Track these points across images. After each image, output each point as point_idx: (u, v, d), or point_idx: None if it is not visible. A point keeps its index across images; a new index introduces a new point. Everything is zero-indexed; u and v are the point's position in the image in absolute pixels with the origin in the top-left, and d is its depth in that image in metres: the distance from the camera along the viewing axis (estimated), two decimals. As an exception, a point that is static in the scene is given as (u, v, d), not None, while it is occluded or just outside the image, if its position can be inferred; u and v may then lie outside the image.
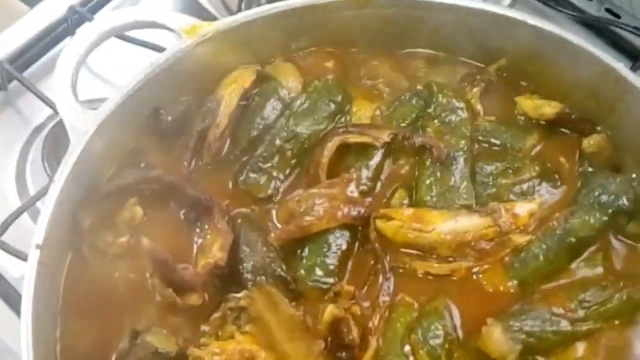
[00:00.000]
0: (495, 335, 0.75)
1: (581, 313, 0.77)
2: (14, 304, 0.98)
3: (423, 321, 0.78)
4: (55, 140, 1.11)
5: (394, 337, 0.77)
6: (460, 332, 0.78)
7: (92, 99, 1.07)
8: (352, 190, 0.82)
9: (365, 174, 0.87)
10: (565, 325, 0.77)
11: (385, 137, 0.87)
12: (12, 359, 0.94)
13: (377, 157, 0.88)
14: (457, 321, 0.79)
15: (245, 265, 0.79)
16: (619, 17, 1.28)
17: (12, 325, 0.96)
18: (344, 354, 0.76)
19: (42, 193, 1.02)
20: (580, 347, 0.77)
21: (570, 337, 0.77)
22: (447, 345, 0.76)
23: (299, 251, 0.81)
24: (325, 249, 0.81)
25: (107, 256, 0.82)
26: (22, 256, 0.97)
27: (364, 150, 0.87)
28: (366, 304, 0.80)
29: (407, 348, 0.77)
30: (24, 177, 1.10)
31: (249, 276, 0.79)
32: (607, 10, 1.28)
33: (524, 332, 0.75)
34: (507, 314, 0.77)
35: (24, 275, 0.76)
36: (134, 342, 0.75)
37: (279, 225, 0.83)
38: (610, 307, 0.78)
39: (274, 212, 0.85)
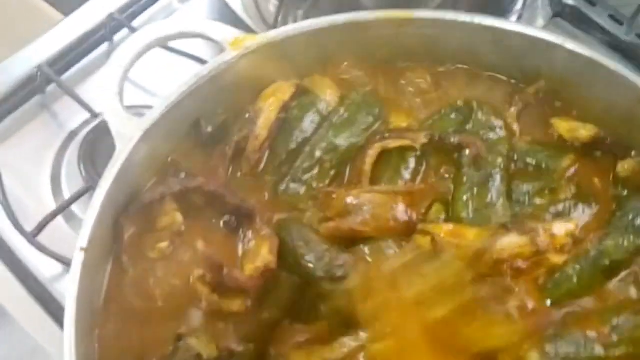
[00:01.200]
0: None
1: (614, 337, 0.77)
2: (48, 305, 1.00)
3: None
4: (91, 145, 1.12)
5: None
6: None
7: (132, 106, 1.09)
8: (408, 199, 0.84)
9: (405, 178, 0.88)
10: (599, 350, 0.77)
11: (422, 138, 0.89)
12: (44, 357, 0.96)
13: (414, 160, 0.90)
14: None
15: (306, 257, 0.80)
16: (650, 42, 1.29)
17: (45, 326, 0.98)
18: None
19: (77, 196, 1.05)
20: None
21: None
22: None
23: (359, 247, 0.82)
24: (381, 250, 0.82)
25: (147, 261, 0.83)
26: (57, 257, 0.99)
27: (402, 155, 0.89)
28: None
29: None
30: (59, 180, 1.11)
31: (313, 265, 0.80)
32: (638, 35, 1.29)
33: (560, 357, 0.76)
34: (542, 338, 0.77)
35: (67, 277, 0.77)
36: (176, 345, 0.76)
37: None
38: None
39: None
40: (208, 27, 0.90)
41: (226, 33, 0.90)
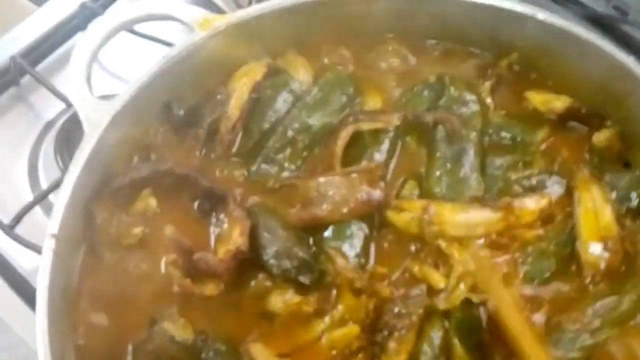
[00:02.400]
0: None
1: (597, 322, 0.77)
2: (27, 296, 0.99)
3: (457, 314, 0.77)
4: (68, 135, 1.11)
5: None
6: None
7: (104, 95, 1.08)
8: (372, 179, 0.83)
9: (378, 159, 0.88)
10: (586, 338, 0.77)
11: (395, 120, 0.88)
12: (25, 350, 0.95)
13: (388, 142, 0.89)
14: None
15: (267, 250, 0.80)
16: (626, 14, 1.28)
17: (25, 318, 0.97)
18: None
19: (54, 186, 1.04)
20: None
21: (595, 348, 0.77)
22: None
23: (322, 234, 0.82)
24: (348, 232, 0.82)
25: (121, 247, 0.82)
26: (35, 248, 0.98)
27: (375, 136, 0.88)
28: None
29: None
30: (37, 171, 1.11)
31: (272, 261, 0.79)
32: (615, 7, 1.28)
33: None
34: None
35: (39, 265, 0.77)
36: (151, 329, 0.75)
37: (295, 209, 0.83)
38: (623, 310, 0.78)
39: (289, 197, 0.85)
40: (176, 8, 0.89)
41: (194, 13, 0.89)
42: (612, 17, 1.26)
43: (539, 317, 0.79)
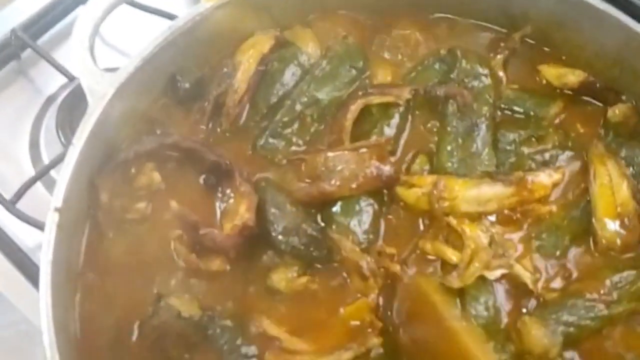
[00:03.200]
0: (534, 332, 0.74)
1: (615, 295, 0.76)
2: (30, 273, 0.97)
3: (473, 292, 0.75)
4: (69, 109, 1.09)
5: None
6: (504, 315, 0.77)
7: (108, 68, 1.06)
8: (382, 154, 0.81)
9: (388, 133, 0.86)
10: (601, 309, 0.75)
11: (406, 94, 0.86)
12: (27, 327, 0.94)
13: (398, 117, 0.87)
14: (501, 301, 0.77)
15: (275, 226, 0.78)
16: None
17: (27, 295, 0.96)
18: None
19: (56, 161, 1.02)
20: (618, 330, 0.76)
21: (607, 321, 0.76)
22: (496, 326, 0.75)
23: (330, 209, 0.80)
24: (357, 208, 0.80)
25: (125, 222, 0.81)
26: (37, 224, 0.96)
27: (385, 111, 0.86)
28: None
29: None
30: (38, 146, 1.09)
31: (280, 237, 0.78)
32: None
33: (563, 323, 0.74)
34: (543, 307, 0.76)
35: (42, 241, 0.75)
36: (157, 305, 0.74)
37: (303, 184, 0.82)
38: None
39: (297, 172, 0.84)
40: (181, -22, 0.87)
41: (200, -16, 0.87)
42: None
43: (556, 284, 0.78)
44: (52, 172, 1.02)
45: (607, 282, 0.77)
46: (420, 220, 0.82)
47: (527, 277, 0.76)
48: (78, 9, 1.19)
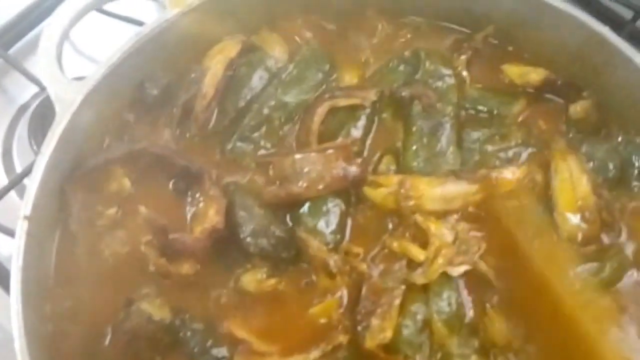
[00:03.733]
0: (499, 325, 0.76)
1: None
2: (4, 281, 0.98)
3: (435, 288, 0.77)
4: (42, 118, 1.10)
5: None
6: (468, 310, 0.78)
7: (78, 77, 1.07)
8: (348, 155, 0.82)
9: (355, 135, 0.87)
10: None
11: (372, 95, 0.88)
12: (3, 334, 0.94)
13: (365, 118, 0.88)
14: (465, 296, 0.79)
15: (244, 228, 0.79)
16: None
17: (2, 302, 0.96)
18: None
19: (29, 170, 1.01)
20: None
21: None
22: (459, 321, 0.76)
23: (298, 211, 0.82)
24: (324, 208, 0.81)
25: (96, 228, 0.81)
26: (10, 232, 0.97)
27: (351, 113, 0.88)
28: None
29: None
30: (11, 155, 1.09)
31: (249, 239, 0.79)
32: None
33: None
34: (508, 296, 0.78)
35: (13, 248, 0.76)
36: (128, 309, 0.75)
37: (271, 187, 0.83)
38: (605, 276, 0.79)
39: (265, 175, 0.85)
40: (147, -14, 0.88)
41: (166, -9, 0.88)
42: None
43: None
44: (25, 181, 1.03)
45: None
46: (389, 219, 0.83)
47: (490, 273, 0.78)
48: (48, 19, 1.19)
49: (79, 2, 0.87)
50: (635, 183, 0.85)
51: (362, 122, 0.88)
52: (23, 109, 1.13)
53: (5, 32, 1.17)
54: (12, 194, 1.02)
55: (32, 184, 0.77)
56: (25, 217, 0.76)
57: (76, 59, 1.12)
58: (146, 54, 0.87)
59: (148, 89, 0.88)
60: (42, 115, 1.10)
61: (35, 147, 1.08)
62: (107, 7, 1.06)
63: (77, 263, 0.81)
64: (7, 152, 1.09)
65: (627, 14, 1.20)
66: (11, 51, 1.16)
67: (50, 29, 0.86)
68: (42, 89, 1.09)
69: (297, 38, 0.95)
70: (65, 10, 0.86)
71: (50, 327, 0.78)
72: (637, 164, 0.86)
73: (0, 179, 1.06)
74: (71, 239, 0.82)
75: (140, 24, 1.09)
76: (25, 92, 1.14)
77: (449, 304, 0.76)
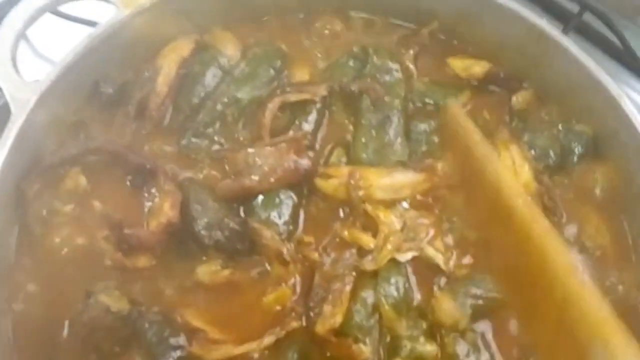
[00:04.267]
0: (445, 306, 0.79)
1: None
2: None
3: (384, 274, 0.80)
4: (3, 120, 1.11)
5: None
6: (416, 294, 0.81)
7: (37, 80, 1.08)
8: (299, 148, 0.85)
9: (306, 129, 0.90)
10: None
11: (322, 90, 0.91)
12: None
13: (316, 112, 0.91)
14: (413, 281, 0.82)
15: (199, 222, 0.82)
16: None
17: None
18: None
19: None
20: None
21: None
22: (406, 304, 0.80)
23: (252, 203, 0.84)
24: (277, 200, 0.84)
25: (53, 225, 0.83)
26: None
27: (303, 107, 0.91)
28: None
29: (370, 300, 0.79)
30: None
31: (204, 232, 0.81)
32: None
33: (471, 296, 0.79)
34: (453, 282, 0.81)
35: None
36: (87, 302, 0.77)
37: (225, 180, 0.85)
38: None
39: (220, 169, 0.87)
40: (99, -13, 0.90)
41: (118, -8, 0.90)
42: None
43: (466, 260, 0.83)
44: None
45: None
46: (340, 210, 0.86)
47: (438, 258, 0.81)
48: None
49: (32, 4, 0.88)
50: (574, 169, 0.89)
51: (313, 117, 0.91)
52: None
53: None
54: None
55: (-11, 183, 0.79)
56: (-17, 216, 0.77)
57: (33, 60, 1.13)
58: (100, 54, 0.89)
59: (103, 88, 0.90)
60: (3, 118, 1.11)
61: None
62: (63, 9, 1.07)
63: (35, 259, 0.83)
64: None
65: (574, 7, 1.24)
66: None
67: (4, 30, 0.87)
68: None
69: (249, 36, 0.97)
70: (19, 12, 0.88)
71: (10, 324, 0.80)
72: (576, 151, 0.90)
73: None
74: (29, 235, 0.83)
75: (94, 24, 1.10)
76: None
77: (397, 289, 0.79)
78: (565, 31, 1.20)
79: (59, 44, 1.12)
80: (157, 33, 0.93)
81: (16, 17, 0.88)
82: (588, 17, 1.23)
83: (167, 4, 0.91)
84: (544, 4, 1.28)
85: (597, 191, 0.88)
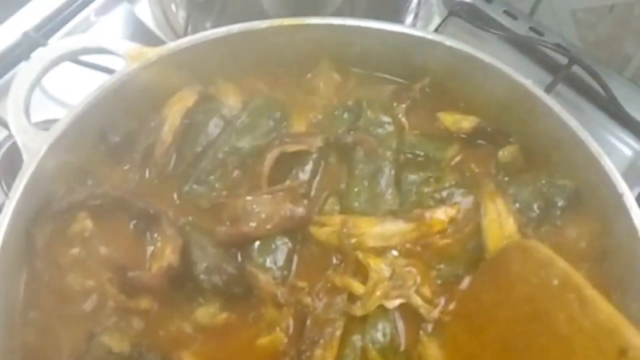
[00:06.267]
0: (431, 351, 0.83)
1: None
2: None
3: (371, 320, 0.84)
4: (12, 160, 1.15)
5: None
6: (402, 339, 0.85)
7: (48, 120, 1.14)
8: (295, 197, 0.90)
9: (302, 178, 0.95)
10: None
11: (318, 142, 0.95)
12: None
13: (312, 162, 0.96)
14: (400, 327, 0.86)
15: (198, 266, 0.86)
16: (542, 34, 1.38)
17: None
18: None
19: (-1, 210, 1.08)
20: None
21: None
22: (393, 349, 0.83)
23: (249, 249, 0.88)
24: (273, 246, 0.88)
25: (60, 267, 0.87)
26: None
27: (300, 157, 0.95)
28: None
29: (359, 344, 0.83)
30: (-20, 194, 1.15)
31: (203, 276, 0.85)
32: (532, 28, 1.39)
33: None
34: (440, 327, 0.85)
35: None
36: (89, 343, 0.81)
37: (223, 227, 0.89)
38: None
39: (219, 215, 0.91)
40: (109, 42, 0.95)
41: (127, 46, 0.95)
42: (529, 39, 1.36)
43: (452, 306, 0.87)
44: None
45: None
46: (332, 256, 0.90)
47: (422, 307, 0.85)
48: (20, 65, 1.26)
49: (45, 57, 0.93)
50: (557, 222, 0.93)
51: (309, 166, 0.96)
52: (-6, 150, 1.19)
53: (-23, 78, 1.23)
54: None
55: (1, 227, 0.83)
56: (-7, 260, 0.82)
57: (45, 101, 1.18)
58: (108, 104, 0.94)
59: (110, 136, 0.95)
60: (12, 158, 1.15)
61: (5, 188, 1.13)
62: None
63: (42, 299, 0.87)
64: (-23, 191, 1.15)
65: (563, 60, 1.30)
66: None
67: (18, 82, 0.92)
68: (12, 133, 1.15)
69: (250, 88, 1.02)
70: (33, 65, 0.93)
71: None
72: (559, 204, 0.94)
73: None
74: (37, 277, 0.88)
75: (108, 70, 1.16)
76: (-3, 134, 1.19)
77: (384, 334, 0.83)
78: (554, 82, 1.26)
79: (65, 84, 1.19)
80: (162, 85, 0.98)
81: (30, 69, 0.93)
82: (577, 68, 1.29)
83: (173, 58, 0.96)
84: (535, 56, 1.34)
85: (578, 242, 0.92)
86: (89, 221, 0.89)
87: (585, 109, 1.27)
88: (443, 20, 1.28)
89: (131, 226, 0.91)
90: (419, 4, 1.26)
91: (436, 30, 1.27)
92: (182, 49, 0.96)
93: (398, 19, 1.24)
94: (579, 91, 1.28)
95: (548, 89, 1.22)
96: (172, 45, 0.96)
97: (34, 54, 0.99)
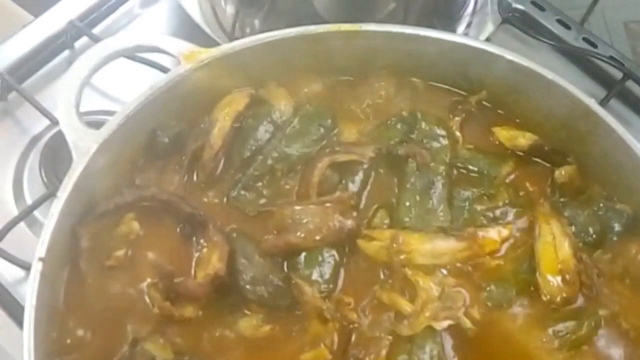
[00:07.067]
0: None
1: (556, 343, 0.83)
2: (11, 309, 1.03)
3: (419, 340, 0.82)
4: (52, 150, 1.15)
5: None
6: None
7: (96, 110, 1.15)
8: (344, 208, 0.88)
9: (352, 189, 0.93)
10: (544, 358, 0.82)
11: (370, 152, 0.93)
12: (5, 358, 0.99)
13: (362, 173, 0.94)
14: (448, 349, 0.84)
15: (244, 276, 0.85)
16: (595, 46, 1.34)
17: (9, 330, 1.01)
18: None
19: (39, 202, 1.07)
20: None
21: None
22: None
23: (295, 259, 0.87)
24: (320, 258, 0.86)
25: (104, 268, 0.86)
26: (19, 263, 1.02)
27: (350, 167, 0.93)
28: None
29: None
30: (22, 186, 1.14)
31: (248, 287, 0.84)
32: (585, 39, 1.35)
33: None
34: None
35: (26, 284, 0.81)
36: (133, 349, 0.80)
37: (270, 236, 0.87)
38: (581, 334, 0.84)
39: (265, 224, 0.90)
40: (163, 41, 0.93)
41: (180, 46, 0.93)
42: (581, 50, 1.32)
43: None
44: (35, 212, 1.08)
45: (550, 331, 0.84)
46: (380, 272, 0.88)
47: (471, 330, 0.83)
48: (63, 54, 1.25)
49: (97, 55, 0.92)
50: (613, 247, 0.90)
51: (359, 177, 0.93)
52: (35, 140, 1.18)
53: (20, 67, 1.22)
54: (22, 225, 1.07)
55: (48, 227, 0.82)
56: (40, 259, 0.80)
57: (96, 95, 1.17)
58: (159, 105, 0.92)
59: (159, 137, 0.93)
60: (53, 148, 1.15)
61: (45, 179, 1.13)
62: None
63: (84, 300, 0.86)
64: (18, 183, 1.14)
65: (616, 73, 1.26)
66: (25, 84, 1.22)
67: (68, 79, 0.90)
68: (55, 122, 1.14)
69: (302, 93, 1.00)
70: (83, 62, 0.91)
71: (57, 360, 0.83)
72: (616, 229, 0.91)
73: (11, 210, 1.10)
74: (80, 277, 0.86)
75: (161, 68, 1.14)
76: (38, 124, 1.18)
77: (431, 357, 0.81)
78: (608, 97, 1.22)
79: (119, 79, 1.18)
80: (214, 86, 0.96)
81: (81, 66, 0.91)
82: (630, 84, 1.25)
83: (226, 60, 0.94)
84: (586, 68, 1.31)
85: (634, 270, 0.89)
86: (136, 223, 0.88)
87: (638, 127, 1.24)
88: (497, 28, 1.24)
89: (178, 230, 0.90)
90: (474, 11, 1.22)
91: (488, 38, 1.23)
92: (237, 52, 0.94)
93: (451, 25, 1.20)
94: (633, 108, 1.24)
95: (601, 105, 1.18)
96: (226, 47, 0.94)
97: (87, 50, 0.97)
